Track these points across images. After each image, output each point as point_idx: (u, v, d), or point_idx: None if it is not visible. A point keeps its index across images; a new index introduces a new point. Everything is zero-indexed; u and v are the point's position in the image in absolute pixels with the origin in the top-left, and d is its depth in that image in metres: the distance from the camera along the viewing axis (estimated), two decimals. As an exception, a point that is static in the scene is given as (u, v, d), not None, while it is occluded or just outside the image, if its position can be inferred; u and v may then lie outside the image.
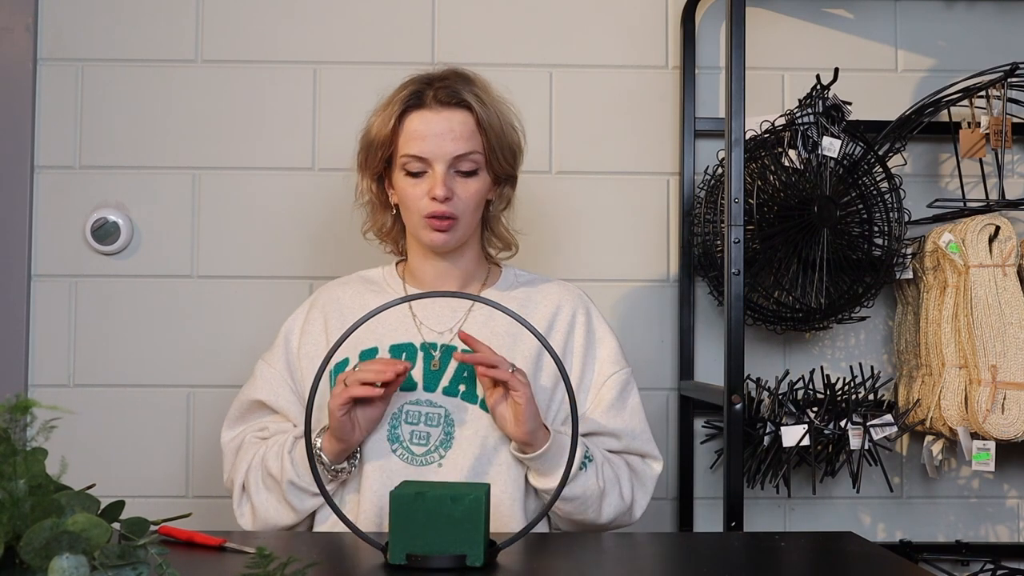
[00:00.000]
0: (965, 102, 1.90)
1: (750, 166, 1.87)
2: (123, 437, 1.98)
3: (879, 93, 2.05)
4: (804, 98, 1.90)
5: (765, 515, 2.03)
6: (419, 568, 1.07)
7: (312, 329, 1.54)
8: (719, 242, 1.90)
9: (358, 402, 1.36)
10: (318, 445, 1.40)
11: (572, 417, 1.14)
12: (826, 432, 1.78)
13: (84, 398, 1.98)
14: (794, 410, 1.79)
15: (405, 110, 1.46)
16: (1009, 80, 1.81)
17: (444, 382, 1.46)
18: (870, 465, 1.86)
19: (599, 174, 2.04)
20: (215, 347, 1.99)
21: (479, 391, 1.45)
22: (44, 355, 1.99)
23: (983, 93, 1.85)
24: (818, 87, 1.89)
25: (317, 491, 1.41)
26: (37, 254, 1.99)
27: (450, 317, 1.51)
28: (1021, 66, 1.80)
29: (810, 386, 1.88)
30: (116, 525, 0.92)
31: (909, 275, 1.94)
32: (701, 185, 1.98)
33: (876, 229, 1.92)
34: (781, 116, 1.91)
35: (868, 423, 1.79)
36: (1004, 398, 1.76)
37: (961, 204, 1.87)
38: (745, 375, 1.64)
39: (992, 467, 1.79)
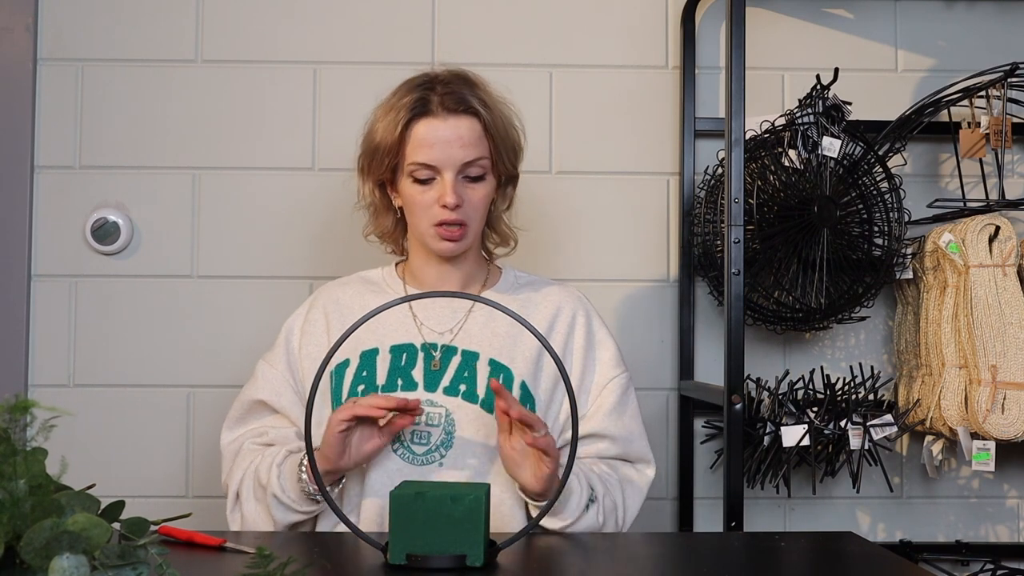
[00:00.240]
0: (965, 102, 1.90)
1: (750, 166, 1.87)
2: (123, 437, 1.98)
3: (879, 93, 2.05)
4: (804, 98, 1.90)
5: (765, 515, 2.03)
6: (419, 568, 1.07)
7: (313, 329, 1.54)
8: (719, 242, 1.90)
9: (359, 424, 1.35)
10: (304, 462, 1.38)
11: (572, 418, 1.14)
12: (826, 432, 1.77)
13: (84, 398, 1.98)
14: (794, 410, 1.79)
15: (412, 117, 1.45)
16: (1009, 80, 1.81)
17: (445, 382, 1.46)
18: (870, 465, 1.86)
19: (599, 174, 2.04)
20: (215, 347, 1.99)
21: (480, 391, 1.45)
22: (44, 355, 1.99)
23: (983, 93, 1.85)
24: (818, 87, 1.89)
25: (300, 508, 1.40)
26: (37, 254, 1.99)
27: (450, 317, 1.51)
28: (1021, 66, 1.80)
29: (810, 386, 1.88)
30: (116, 525, 0.92)
31: (909, 275, 1.94)
32: (701, 185, 1.98)
33: (876, 229, 1.92)
34: (781, 116, 1.91)
35: (868, 423, 1.79)
36: (1004, 398, 1.76)
37: (961, 204, 1.87)
38: (745, 375, 1.64)
39: (992, 467, 1.79)
